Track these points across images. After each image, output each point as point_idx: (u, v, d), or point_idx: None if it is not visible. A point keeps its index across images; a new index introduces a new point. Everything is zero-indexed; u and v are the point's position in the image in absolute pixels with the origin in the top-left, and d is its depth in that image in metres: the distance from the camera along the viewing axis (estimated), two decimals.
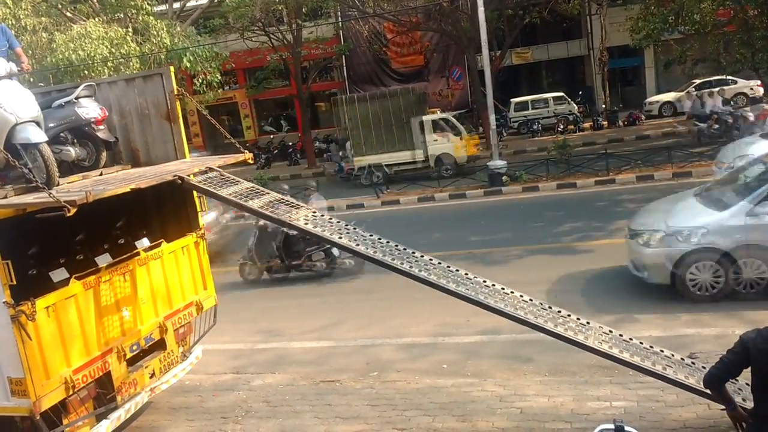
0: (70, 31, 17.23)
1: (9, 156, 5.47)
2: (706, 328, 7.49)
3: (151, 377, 6.43)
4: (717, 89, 23.39)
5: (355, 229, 5.96)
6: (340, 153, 25.74)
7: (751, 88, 27.39)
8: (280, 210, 5.98)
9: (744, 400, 4.89)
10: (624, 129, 27.73)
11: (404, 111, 22.36)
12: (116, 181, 5.92)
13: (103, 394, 5.92)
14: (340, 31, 33.91)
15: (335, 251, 11.23)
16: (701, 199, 8.83)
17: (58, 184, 5.78)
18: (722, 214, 8.03)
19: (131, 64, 17.29)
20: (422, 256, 5.78)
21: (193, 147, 28.36)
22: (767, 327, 3.95)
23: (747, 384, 5.15)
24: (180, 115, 6.99)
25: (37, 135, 5.70)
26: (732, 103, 27.34)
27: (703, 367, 5.28)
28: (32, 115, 5.76)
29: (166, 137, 6.97)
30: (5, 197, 5.47)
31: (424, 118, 22.09)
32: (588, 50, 33.58)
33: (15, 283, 5.04)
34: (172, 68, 7.24)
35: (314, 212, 6.12)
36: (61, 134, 6.31)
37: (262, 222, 11.26)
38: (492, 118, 19.11)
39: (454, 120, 22.32)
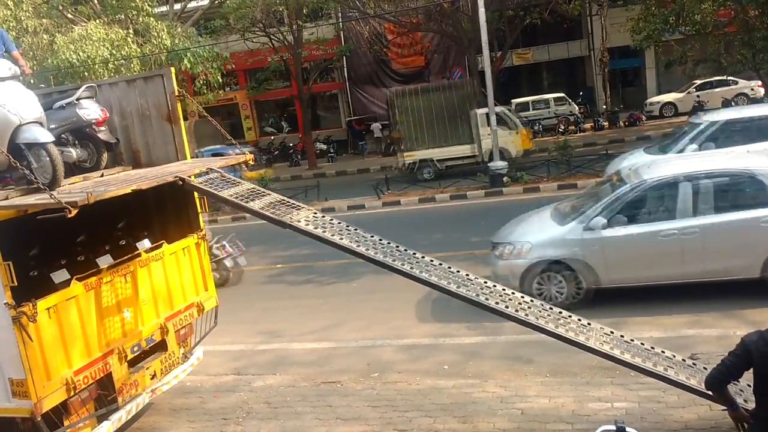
0: (71, 33, 17.26)
1: (11, 157, 5.48)
2: (707, 329, 7.49)
3: (152, 378, 6.44)
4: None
5: (356, 230, 5.96)
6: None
7: (752, 89, 27.38)
8: (280, 211, 5.98)
9: (745, 401, 4.89)
10: (625, 130, 27.73)
11: (457, 105, 21.73)
12: (117, 182, 5.92)
13: (104, 396, 5.92)
14: (341, 32, 33.92)
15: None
16: (554, 213, 9.27)
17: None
18: (562, 228, 8.53)
19: (132, 65, 17.31)
20: (423, 257, 5.77)
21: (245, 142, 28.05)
22: None
23: (748, 385, 5.15)
24: (181, 116, 6.99)
25: (44, 135, 5.73)
26: (733, 104, 27.36)
27: (705, 368, 5.28)
28: (36, 116, 5.78)
29: (167, 138, 6.97)
30: (6, 198, 5.48)
31: (478, 111, 21.33)
32: (589, 51, 33.58)
33: (16, 284, 5.04)
34: (173, 69, 7.25)
35: (315, 213, 6.12)
36: (63, 135, 6.33)
37: None
38: (493, 119, 19.11)
39: (509, 113, 21.70)
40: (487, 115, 20.27)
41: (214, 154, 20.98)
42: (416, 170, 21.69)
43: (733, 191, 8.29)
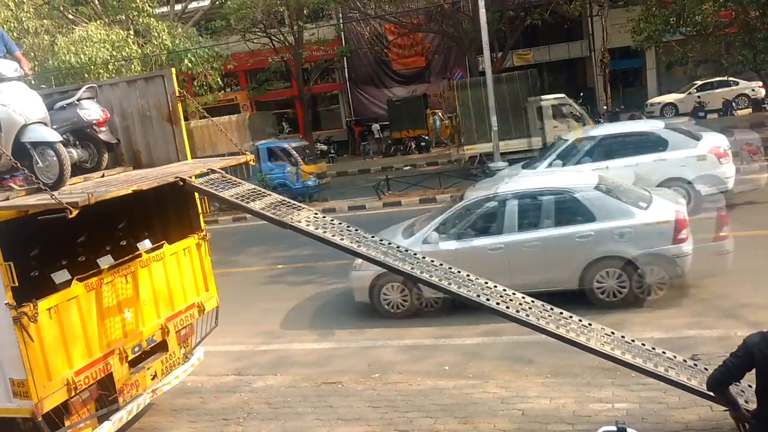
0: (72, 34, 17.27)
1: (12, 158, 5.48)
2: (708, 330, 7.48)
3: (152, 379, 6.44)
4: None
5: (356, 230, 5.96)
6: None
7: (753, 90, 27.38)
8: (281, 211, 5.98)
9: (747, 402, 4.89)
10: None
11: (520, 96, 21.12)
12: (118, 182, 5.93)
13: (105, 396, 5.93)
14: (342, 33, 33.96)
15: None
16: (406, 227, 9.81)
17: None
18: (406, 241, 8.80)
19: (133, 66, 17.33)
20: (423, 258, 5.78)
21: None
22: None
23: (750, 386, 5.15)
24: (181, 117, 6.99)
25: (52, 134, 5.77)
26: (733, 104, 27.37)
27: (706, 369, 5.27)
28: (41, 116, 5.82)
29: (168, 139, 6.97)
30: (7, 199, 5.48)
31: (543, 103, 20.79)
32: (589, 52, 33.58)
33: (17, 284, 5.04)
34: (173, 70, 7.25)
35: (316, 214, 6.12)
36: (64, 136, 6.32)
37: None
38: (493, 119, 19.10)
39: (575, 105, 21.16)
40: (554, 106, 20.14)
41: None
42: (476, 164, 21.15)
43: (555, 209, 8.75)
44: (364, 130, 33.50)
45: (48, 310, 5.27)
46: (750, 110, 27.29)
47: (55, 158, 5.71)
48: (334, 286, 11.28)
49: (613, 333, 5.51)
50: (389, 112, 30.86)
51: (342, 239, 5.74)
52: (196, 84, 21.82)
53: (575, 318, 5.52)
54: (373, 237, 5.91)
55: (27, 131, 5.70)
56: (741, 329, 7.28)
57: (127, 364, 6.06)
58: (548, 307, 5.61)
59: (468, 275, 5.71)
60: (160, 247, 6.60)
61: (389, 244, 5.84)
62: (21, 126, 5.67)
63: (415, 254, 5.78)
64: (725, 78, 26.88)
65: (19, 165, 5.39)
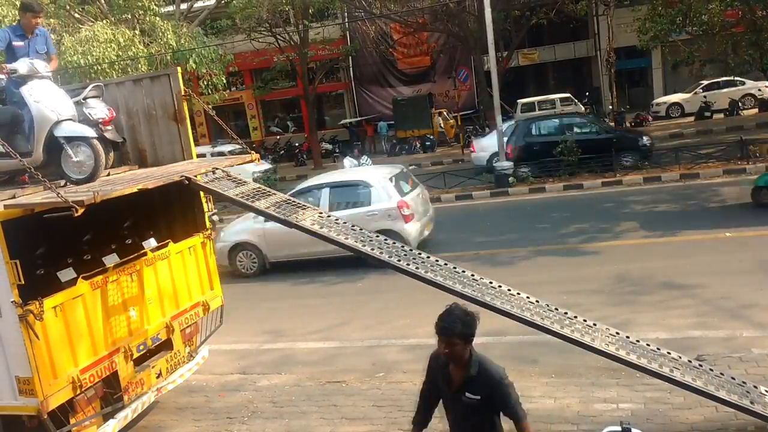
0: (78, 34, 17.31)
1: (19, 156, 5.51)
2: (713, 331, 7.46)
3: (157, 377, 6.45)
4: None
5: (361, 229, 5.96)
6: None
7: (759, 90, 27.27)
8: (286, 210, 5.99)
9: (752, 402, 4.88)
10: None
11: None
12: (123, 181, 5.94)
13: (110, 394, 5.95)
14: (347, 32, 33.94)
15: None
16: None
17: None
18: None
19: (139, 65, 17.36)
20: (428, 257, 5.77)
21: (251, 141, 27.58)
22: None
23: (755, 386, 5.14)
24: (187, 116, 7.00)
25: (87, 130, 5.92)
26: (740, 104, 27.26)
27: (711, 370, 5.26)
28: (71, 113, 5.97)
29: (173, 138, 6.99)
30: (13, 197, 5.50)
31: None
32: (595, 51, 33.51)
33: (23, 282, 5.06)
34: (179, 69, 7.26)
35: (320, 213, 6.12)
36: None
37: None
38: (498, 119, 19.08)
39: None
40: None
41: None
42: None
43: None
44: (364, 131, 33.40)
45: (54, 308, 5.29)
46: (756, 110, 27.19)
47: (90, 153, 5.85)
48: (338, 284, 11.30)
49: (617, 333, 5.49)
50: (394, 112, 30.82)
51: (346, 238, 5.74)
52: (201, 84, 21.84)
53: (580, 318, 5.50)
54: (377, 236, 5.91)
55: (61, 127, 5.84)
56: (746, 330, 7.27)
57: (132, 362, 6.08)
58: (553, 306, 5.60)
59: (472, 275, 5.69)
60: (165, 245, 6.61)
61: (393, 243, 5.84)
62: (54, 122, 5.80)
63: (419, 254, 5.77)
64: (732, 78, 26.77)
65: (20, 159, 5.43)
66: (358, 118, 33.98)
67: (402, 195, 11.95)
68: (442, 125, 31.03)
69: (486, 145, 20.88)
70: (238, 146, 24.96)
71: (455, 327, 3.58)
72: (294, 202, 6.20)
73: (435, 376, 3.93)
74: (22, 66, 5.88)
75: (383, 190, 11.92)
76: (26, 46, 6.24)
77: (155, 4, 19.14)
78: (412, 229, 11.75)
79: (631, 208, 14.19)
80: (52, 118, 5.80)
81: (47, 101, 5.81)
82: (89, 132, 5.91)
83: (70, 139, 5.84)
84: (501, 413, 3.80)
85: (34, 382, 5.13)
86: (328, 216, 6.13)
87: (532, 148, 18.62)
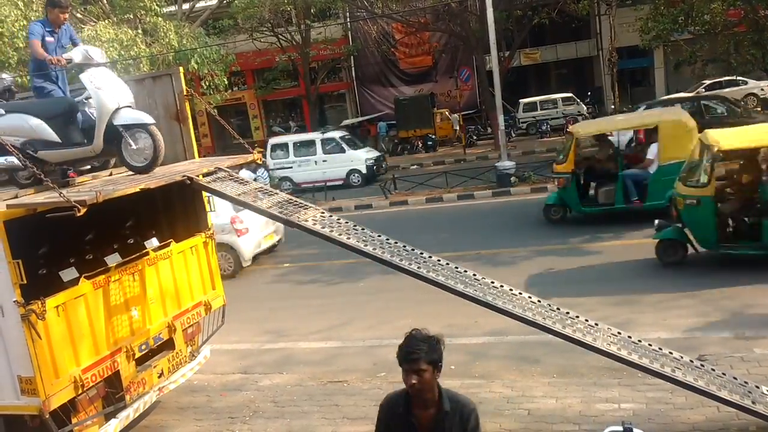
0: (81, 34, 17.31)
1: (15, 148, 5.55)
2: (714, 331, 7.45)
3: (159, 377, 6.46)
4: None
5: (363, 229, 5.96)
6: None
7: (762, 89, 27.21)
8: (288, 210, 5.99)
9: (754, 402, 4.88)
10: None
11: None
12: (126, 181, 5.95)
13: (112, 394, 5.95)
14: (349, 32, 33.96)
15: None
16: None
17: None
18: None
19: (141, 65, 17.38)
20: (430, 257, 5.77)
21: (254, 142, 28.01)
22: None
23: (757, 386, 5.14)
24: (189, 116, 7.01)
25: (146, 117, 5.97)
26: (742, 104, 27.21)
27: (712, 370, 5.26)
28: (130, 101, 6.00)
29: (175, 138, 6.98)
30: (16, 197, 5.52)
31: None
32: (597, 51, 33.48)
33: (25, 282, 5.07)
34: (181, 69, 7.26)
35: (322, 213, 6.12)
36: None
37: None
38: (500, 118, 19.09)
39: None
40: None
41: None
42: None
43: None
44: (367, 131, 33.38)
45: (56, 308, 5.29)
46: (759, 109, 27.13)
47: (149, 140, 5.89)
48: (340, 284, 11.30)
49: (619, 333, 5.49)
50: (396, 111, 30.84)
51: (348, 238, 5.73)
52: (203, 84, 21.88)
53: (581, 318, 5.50)
54: (379, 236, 5.90)
55: (120, 114, 5.85)
56: (748, 330, 7.26)
57: (134, 362, 6.08)
58: (555, 306, 5.59)
59: (474, 275, 5.69)
60: (168, 245, 6.62)
61: (395, 243, 5.83)
62: (115, 109, 5.81)
63: (421, 254, 5.77)
64: (734, 77, 26.72)
65: (21, 158, 5.47)
66: (360, 119, 33.94)
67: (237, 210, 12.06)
68: (455, 126, 30.84)
69: None
70: (345, 132, 25.35)
71: (420, 351, 3.17)
72: (296, 201, 6.20)
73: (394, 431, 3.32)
74: (77, 55, 5.91)
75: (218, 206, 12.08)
76: (55, 41, 6.30)
77: (157, 5, 19.16)
78: (245, 243, 12.56)
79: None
80: (112, 105, 5.80)
81: (107, 88, 5.82)
82: (148, 119, 5.94)
83: (129, 127, 5.86)
84: None
85: (36, 381, 5.14)
86: (330, 216, 6.13)
87: None
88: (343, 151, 23.61)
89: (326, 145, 23.70)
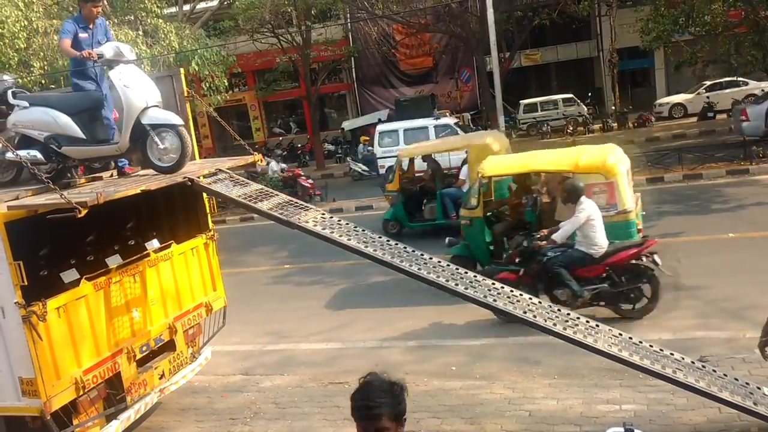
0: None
1: (9, 145, 5.55)
2: (715, 331, 7.44)
3: (160, 378, 6.46)
4: None
5: (363, 231, 5.96)
6: None
7: (763, 90, 27.19)
8: (288, 212, 5.99)
9: (755, 404, 4.87)
10: (634, 131, 27.60)
11: None
12: (127, 182, 5.95)
13: (113, 395, 5.95)
14: (349, 33, 33.97)
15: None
16: None
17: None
18: None
19: (143, 67, 17.37)
20: (431, 258, 5.77)
21: (254, 143, 28.19)
22: None
23: (759, 387, 5.13)
24: (190, 117, 7.01)
25: (175, 117, 5.90)
26: (742, 104, 27.20)
27: (714, 371, 5.25)
28: (158, 100, 5.94)
29: None
30: (17, 198, 5.52)
31: None
32: (598, 52, 33.49)
33: (26, 283, 5.07)
34: (182, 70, 7.27)
35: (323, 214, 6.12)
36: None
37: None
38: (501, 119, 19.10)
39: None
40: None
41: None
42: None
43: None
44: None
45: (57, 309, 5.30)
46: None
47: (177, 141, 5.80)
48: (340, 286, 11.30)
49: (620, 334, 5.49)
50: (397, 113, 30.81)
51: (349, 240, 5.74)
52: (204, 85, 21.88)
53: (583, 319, 5.50)
54: (380, 237, 5.91)
55: (149, 113, 5.78)
56: (749, 331, 7.25)
57: (134, 363, 6.08)
58: (555, 308, 5.60)
59: (475, 276, 5.70)
60: (168, 246, 6.62)
61: (396, 244, 5.84)
62: (143, 108, 5.75)
63: (422, 255, 5.77)
64: (735, 78, 26.73)
65: (19, 156, 5.47)
66: (358, 125, 33.72)
67: None
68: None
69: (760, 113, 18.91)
70: (457, 119, 24.53)
71: (381, 403, 2.65)
72: (296, 203, 6.20)
73: None
74: (108, 50, 5.82)
75: None
76: (90, 36, 6.23)
77: (158, 6, 19.16)
78: None
79: None
80: (140, 104, 5.75)
81: (136, 86, 5.76)
82: (177, 119, 5.87)
83: (156, 127, 5.79)
84: None
85: (37, 383, 5.14)
86: (331, 217, 6.13)
87: None
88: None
89: (439, 132, 22.02)
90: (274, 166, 21.79)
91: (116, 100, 5.87)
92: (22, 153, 5.75)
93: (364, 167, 23.17)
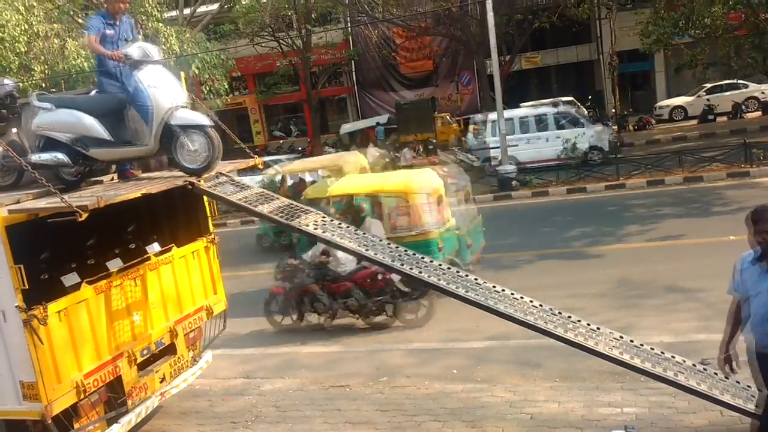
0: (82, 38, 17.38)
1: (10, 149, 5.54)
2: (717, 334, 7.34)
3: (161, 381, 6.45)
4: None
5: (364, 234, 5.97)
6: None
7: (763, 92, 27.23)
8: (289, 215, 5.99)
9: (757, 406, 4.86)
10: (634, 133, 27.64)
11: None
12: (127, 186, 5.96)
13: (114, 399, 5.94)
14: (350, 37, 34.03)
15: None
16: None
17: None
18: None
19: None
20: (431, 261, 5.77)
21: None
22: None
23: (748, 386, 5.13)
24: None
25: (203, 118, 5.84)
26: (743, 107, 27.21)
27: (715, 374, 5.25)
28: (185, 100, 5.88)
29: None
30: (17, 202, 5.52)
31: None
32: (598, 54, 33.52)
33: (27, 287, 5.06)
34: (182, 74, 7.27)
35: (323, 217, 6.12)
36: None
37: None
38: (501, 122, 19.09)
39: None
40: None
41: None
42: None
43: None
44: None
45: (57, 313, 5.29)
46: (760, 113, 27.15)
47: (205, 142, 5.75)
48: None
49: (621, 337, 5.49)
50: (397, 116, 30.86)
51: (350, 242, 5.74)
52: (204, 89, 21.94)
53: (583, 322, 5.50)
54: (381, 240, 5.91)
55: (177, 114, 5.72)
56: (749, 332, 7.23)
57: (135, 366, 6.07)
58: (556, 311, 5.59)
59: (476, 279, 5.70)
60: (169, 250, 6.62)
61: (396, 247, 5.84)
62: (169, 109, 5.69)
63: (422, 257, 5.77)
64: (735, 81, 26.76)
65: (22, 162, 5.45)
66: (358, 128, 33.72)
67: None
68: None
69: None
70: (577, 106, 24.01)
71: None
72: (297, 206, 6.20)
73: None
74: (135, 51, 5.76)
75: None
76: (116, 33, 6.16)
77: (158, 10, 19.22)
78: None
79: (634, 212, 14.16)
80: (167, 105, 5.68)
81: (163, 87, 5.71)
82: (204, 120, 5.80)
83: (184, 128, 5.73)
84: None
85: (38, 386, 5.13)
86: (332, 220, 6.13)
87: None
88: (581, 126, 21.27)
89: (560, 120, 21.39)
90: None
91: (142, 100, 5.76)
92: (45, 156, 5.72)
93: (472, 157, 22.50)
